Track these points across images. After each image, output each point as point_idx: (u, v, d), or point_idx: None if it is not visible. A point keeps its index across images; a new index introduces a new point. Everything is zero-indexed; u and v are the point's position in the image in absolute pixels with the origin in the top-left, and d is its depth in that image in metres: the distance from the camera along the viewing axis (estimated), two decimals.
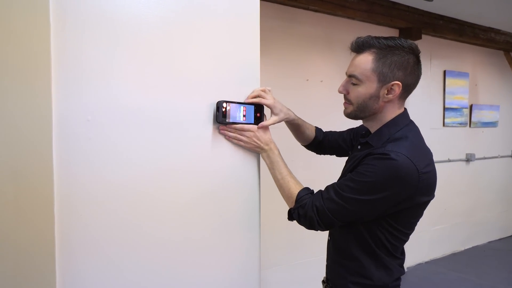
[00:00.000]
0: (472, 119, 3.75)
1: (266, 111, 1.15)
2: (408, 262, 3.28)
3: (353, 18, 2.86)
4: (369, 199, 0.92)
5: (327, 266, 1.15)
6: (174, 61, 0.94)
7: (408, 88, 0.99)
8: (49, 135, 0.80)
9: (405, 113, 1.03)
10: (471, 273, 3.18)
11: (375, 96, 0.96)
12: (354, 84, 0.98)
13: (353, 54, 1.00)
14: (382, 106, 0.98)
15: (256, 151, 1.09)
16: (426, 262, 3.44)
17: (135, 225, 0.90)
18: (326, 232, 1.14)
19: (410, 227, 1.03)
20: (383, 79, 0.95)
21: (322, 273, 1.20)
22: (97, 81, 0.84)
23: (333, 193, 0.97)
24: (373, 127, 1.03)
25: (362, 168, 0.94)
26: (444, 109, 3.52)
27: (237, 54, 1.06)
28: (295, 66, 2.64)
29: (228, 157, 1.05)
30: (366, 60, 0.95)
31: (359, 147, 1.08)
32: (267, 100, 1.12)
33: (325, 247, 1.17)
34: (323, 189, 1.02)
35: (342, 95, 1.04)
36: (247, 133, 1.05)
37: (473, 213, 3.84)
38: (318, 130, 1.36)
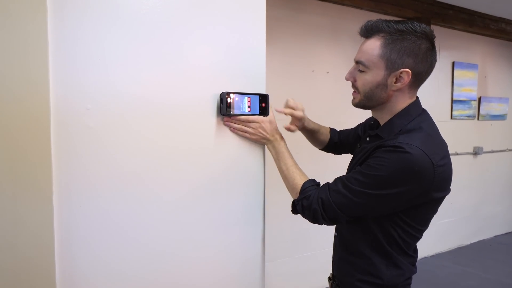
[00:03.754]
0: (481, 112, 3.68)
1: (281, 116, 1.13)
2: None
3: (360, 8, 2.79)
4: (379, 193, 0.87)
5: (333, 262, 1.11)
6: (176, 49, 0.91)
7: (419, 77, 0.92)
8: (46, 124, 0.77)
9: (417, 102, 0.97)
10: (477, 267, 3.15)
11: (383, 85, 0.90)
12: (361, 71, 0.93)
13: (362, 39, 0.94)
14: (390, 96, 0.92)
15: (262, 142, 1.06)
16: (432, 256, 3.41)
17: (137, 216, 0.87)
18: (332, 225, 1.11)
19: (424, 224, 0.97)
20: (391, 66, 0.88)
21: (326, 266, 1.18)
22: (97, 68, 0.81)
23: (341, 185, 0.92)
24: (383, 118, 0.97)
25: (373, 161, 0.88)
26: (452, 101, 3.46)
27: (242, 44, 1.02)
28: (300, 56, 2.59)
29: (232, 149, 1.02)
30: (373, 46, 0.89)
31: (368, 139, 1.02)
32: (299, 113, 1.18)
33: (331, 240, 1.14)
34: (330, 181, 0.98)
35: (349, 86, 0.99)
36: (252, 124, 1.02)
37: (480, 207, 3.79)
38: (332, 131, 1.33)
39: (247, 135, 1.03)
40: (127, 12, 0.85)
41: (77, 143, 0.80)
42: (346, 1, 2.68)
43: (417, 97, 0.98)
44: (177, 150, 0.92)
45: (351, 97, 1.00)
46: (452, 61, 3.43)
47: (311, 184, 1.00)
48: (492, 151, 3.80)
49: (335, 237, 1.11)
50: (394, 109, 0.94)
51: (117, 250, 0.86)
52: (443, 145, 0.94)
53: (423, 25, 0.90)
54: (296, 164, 1.06)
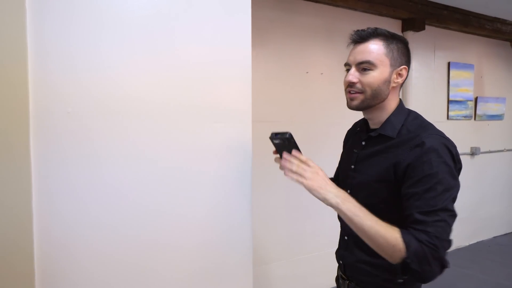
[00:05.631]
0: (477, 112, 3.66)
1: None
2: None
3: (354, 9, 2.79)
4: (458, 183, 0.88)
5: (345, 264, 1.09)
6: (160, 51, 0.90)
7: (407, 75, 1.01)
8: (25, 128, 0.76)
9: (402, 102, 1.05)
10: (476, 269, 3.13)
11: (388, 81, 0.98)
12: (366, 70, 0.96)
13: (352, 45, 1.00)
14: (389, 93, 0.99)
15: (320, 196, 0.88)
16: None
17: (120, 219, 0.86)
18: (328, 226, 1.10)
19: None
20: (394, 64, 0.97)
21: (323, 269, 1.16)
22: (78, 71, 0.80)
23: (428, 214, 0.83)
24: (381, 117, 1.01)
25: (427, 168, 0.86)
26: (449, 101, 3.45)
27: (227, 48, 1.01)
28: (294, 58, 2.58)
29: (217, 154, 1.00)
30: (377, 46, 0.97)
31: (363, 143, 1.05)
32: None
33: (327, 243, 1.13)
34: (413, 229, 0.84)
35: (343, 87, 1.02)
36: (310, 169, 0.89)
37: (478, 208, 3.77)
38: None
39: (304, 181, 0.88)
40: (110, 14, 0.84)
41: (57, 147, 0.79)
42: (339, 2, 2.68)
43: (400, 99, 1.05)
44: (159, 153, 0.91)
45: (346, 99, 1.02)
46: (448, 61, 3.42)
47: (404, 233, 0.84)
48: (490, 152, 3.78)
49: (345, 240, 1.09)
50: (390, 107, 1.01)
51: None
52: None
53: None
54: (368, 211, 0.87)
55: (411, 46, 3.15)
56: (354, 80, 0.98)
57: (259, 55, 2.45)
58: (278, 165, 0.97)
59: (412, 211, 0.85)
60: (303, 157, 0.91)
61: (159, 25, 0.90)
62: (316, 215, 2.55)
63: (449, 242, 0.85)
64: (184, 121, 0.95)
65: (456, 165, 0.91)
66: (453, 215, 0.86)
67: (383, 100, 0.99)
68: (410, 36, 3.07)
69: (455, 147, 0.94)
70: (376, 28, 0.99)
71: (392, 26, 3.07)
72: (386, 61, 0.96)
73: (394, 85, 0.98)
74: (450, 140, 0.95)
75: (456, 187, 0.88)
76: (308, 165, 0.89)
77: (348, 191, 1.04)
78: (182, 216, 0.96)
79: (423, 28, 3.05)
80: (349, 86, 0.99)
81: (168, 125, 0.92)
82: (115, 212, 0.86)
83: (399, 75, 0.98)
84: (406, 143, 0.94)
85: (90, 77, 0.82)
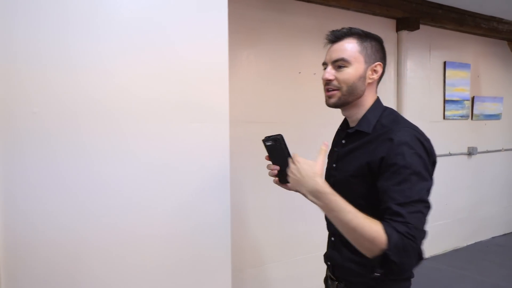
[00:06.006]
0: (474, 112, 3.63)
1: None
2: None
3: (347, 9, 2.78)
4: (428, 179, 0.88)
5: (334, 265, 1.08)
6: (132, 51, 0.88)
7: (383, 73, 1.05)
8: None
9: (379, 99, 1.08)
10: (473, 270, 3.09)
11: (363, 77, 1.01)
12: (341, 67, 1.00)
13: (328, 45, 1.05)
14: (365, 89, 1.02)
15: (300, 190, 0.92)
16: (426, 259, 3.36)
17: (85, 218, 0.85)
18: (323, 228, 1.09)
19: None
20: (369, 60, 1.01)
21: (318, 270, 1.14)
22: (45, 71, 0.79)
23: (404, 206, 0.82)
24: (358, 114, 1.05)
25: (399, 160, 0.87)
26: (445, 101, 3.42)
27: (204, 48, 1.00)
28: (287, 59, 2.57)
29: (194, 154, 0.99)
30: (351, 44, 1.01)
31: (343, 141, 1.07)
32: None
33: (322, 245, 1.11)
34: (388, 218, 0.83)
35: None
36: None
37: (476, 208, 3.73)
38: None
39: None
40: (80, 14, 0.82)
41: (22, 147, 0.77)
42: (332, 2, 2.66)
43: (378, 96, 1.08)
44: (130, 155, 0.90)
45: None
46: (444, 60, 3.39)
47: (387, 226, 0.82)
48: (487, 151, 3.75)
49: (333, 241, 1.09)
50: (366, 104, 1.04)
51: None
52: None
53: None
54: (350, 205, 0.86)
55: (405, 45, 3.13)
56: (331, 77, 1.02)
57: (250, 55, 2.44)
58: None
59: (389, 204, 0.85)
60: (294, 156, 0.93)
61: (131, 24, 0.89)
62: (311, 216, 2.53)
63: (425, 233, 0.85)
64: (161, 121, 0.94)
65: (429, 158, 0.92)
66: (428, 206, 0.86)
67: (360, 96, 1.02)
68: (404, 35, 3.05)
69: (428, 140, 0.95)
70: (350, 27, 1.03)
71: (386, 25, 3.05)
72: (360, 58, 1.00)
73: (369, 81, 1.02)
74: (423, 133, 0.96)
75: (430, 179, 0.89)
76: (297, 161, 0.92)
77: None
78: (157, 214, 0.94)
79: (418, 28, 3.03)
80: (327, 83, 1.03)
81: (143, 125, 0.91)
82: (79, 213, 0.85)
83: (374, 71, 1.02)
84: (379, 137, 0.96)
85: (58, 77, 0.80)
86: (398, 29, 3.07)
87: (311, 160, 0.93)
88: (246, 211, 2.43)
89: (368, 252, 0.83)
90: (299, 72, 2.63)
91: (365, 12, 2.87)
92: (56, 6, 0.80)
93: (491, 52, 3.76)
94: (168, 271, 0.95)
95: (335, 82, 1.01)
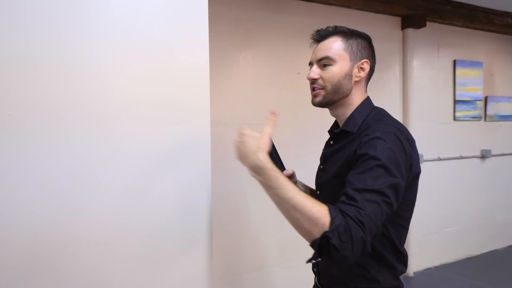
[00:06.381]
0: (488, 112, 3.45)
1: None
2: (416, 266, 3.05)
3: (348, 7, 2.69)
4: (397, 177, 0.81)
5: (320, 272, 1.06)
6: (108, 49, 0.87)
7: (371, 71, 1.03)
8: None
9: (369, 98, 1.05)
10: (487, 280, 2.92)
11: (349, 75, 0.99)
12: (326, 66, 0.99)
13: (314, 45, 1.04)
14: (352, 88, 1.00)
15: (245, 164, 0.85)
16: (436, 267, 3.19)
17: (61, 226, 0.84)
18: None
19: (411, 210, 0.97)
20: (354, 58, 0.99)
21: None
22: (18, 72, 0.77)
23: (361, 192, 0.76)
24: (345, 113, 1.03)
25: (369, 150, 0.82)
26: (455, 101, 3.26)
27: (184, 47, 0.98)
28: (285, 59, 2.50)
29: (174, 157, 0.96)
30: (336, 42, 0.99)
31: (331, 142, 1.07)
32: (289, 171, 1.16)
33: None
34: (341, 203, 0.77)
35: None
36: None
37: (491, 214, 3.54)
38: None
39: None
40: (50, 9, 0.80)
41: None
42: (332, 1, 2.57)
43: (368, 96, 1.05)
44: (105, 159, 0.88)
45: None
46: (453, 59, 3.25)
47: (333, 208, 0.75)
48: (503, 154, 3.56)
49: None
50: (354, 103, 1.01)
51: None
52: (406, 128, 0.98)
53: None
54: (298, 188, 0.80)
55: (411, 44, 3.01)
56: (316, 76, 1.01)
57: (247, 56, 2.39)
58: None
59: (346, 189, 0.79)
60: (241, 128, 0.87)
61: (110, 25, 0.86)
62: None
63: (377, 228, 0.75)
64: (138, 123, 0.92)
65: (406, 158, 0.86)
66: (388, 202, 0.78)
67: (346, 95, 1.00)
68: (410, 33, 2.93)
69: (408, 139, 0.91)
70: (335, 26, 1.02)
71: (390, 23, 2.94)
72: (345, 56, 0.99)
73: (356, 79, 1.00)
74: (408, 134, 0.93)
75: (400, 179, 0.82)
76: (243, 134, 0.85)
77: (318, 192, 1.08)
78: (136, 219, 0.91)
79: (424, 25, 2.90)
80: (312, 83, 1.02)
81: (119, 127, 0.89)
82: (56, 219, 0.83)
83: (361, 68, 1.00)
84: (360, 135, 0.94)
85: (32, 79, 0.79)
86: (403, 27, 2.95)
87: (258, 133, 0.86)
88: (247, 214, 2.37)
89: (308, 235, 0.74)
90: (298, 73, 2.55)
91: (368, 10, 2.77)
92: (29, 6, 0.78)
93: (505, 50, 3.57)
94: (144, 271, 0.95)
95: (320, 81, 1.00)
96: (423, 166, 3.08)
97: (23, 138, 0.79)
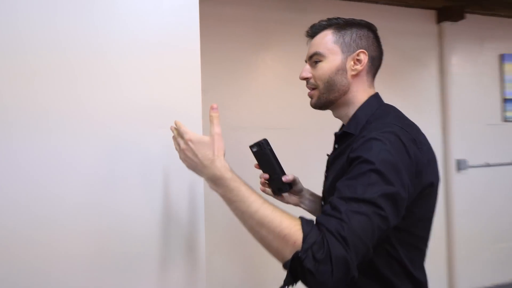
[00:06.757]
0: None
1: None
2: (463, 286, 2.72)
3: (376, 2, 2.52)
4: (396, 185, 0.66)
5: None
6: (88, 45, 0.85)
7: (374, 62, 0.94)
8: None
9: (378, 95, 0.95)
10: None
11: (342, 69, 0.91)
12: (317, 63, 0.93)
13: (310, 42, 0.98)
14: (350, 83, 0.91)
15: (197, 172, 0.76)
16: None
17: (45, 227, 0.81)
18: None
19: (425, 228, 0.82)
20: (347, 50, 0.91)
21: None
22: None
23: (348, 202, 0.63)
24: (348, 113, 0.94)
25: (364, 153, 0.70)
26: (504, 100, 2.93)
27: (173, 46, 0.95)
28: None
29: (162, 163, 0.91)
30: (325, 36, 0.93)
31: (336, 146, 0.99)
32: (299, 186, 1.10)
33: None
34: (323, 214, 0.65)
35: None
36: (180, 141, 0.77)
37: None
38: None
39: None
40: (29, 14, 0.80)
41: None
42: None
43: (377, 92, 0.96)
44: (85, 166, 0.86)
45: None
46: (500, 53, 2.93)
47: (307, 222, 0.64)
48: None
49: None
50: (356, 101, 0.92)
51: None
52: (417, 127, 0.86)
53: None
54: (265, 200, 0.69)
55: (449, 38, 2.72)
56: (307, 75, 0.95)
57: (266, 58, 2.32)
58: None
59: (332, 198, 0.65)
60: (182, 130, 0.74)
61: (98, 25, 0.86)
62: None
63: (365, 246, 0.59)
64: (128, 125, 0.89)
65: (411, 161, 0.72)
66: (382, 215, 0.62)
67: (344, 92, 0.92)
68: (447, 27, 2.69)
69: (415, 140, 0.77)
70: (329, 18, 0.95)
71: (424, 17, 2.71)
72: (336, 49, 0.91)
73: (353, 72, 0.91)
74: (413, 132, 0.79)
75: (398, 185, 0.65)
76: (182, 138, 0.74)
77: (322, 202, 1.02)
78: (124, 225, 0.89)
79: (463, 17, 2.64)
80: (306, 83, 0.97)
81: (103, 130, 0.87)
82: (30, 229, 0.81)
83: (357, 60, 0.91)
84: (358, 136, 0.84)
85: (21, 78, 0.80)
86: (439, 20, 2.71)
87: (206, 136, 0.73)
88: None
89: (279, 255, 0.61)
90: None
91: (397, 5, 2.58)
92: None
93: None
94: (135, 277, 0.91)
95: (312, 81, 0.95)
96: (467, 173, 2.78)
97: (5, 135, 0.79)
